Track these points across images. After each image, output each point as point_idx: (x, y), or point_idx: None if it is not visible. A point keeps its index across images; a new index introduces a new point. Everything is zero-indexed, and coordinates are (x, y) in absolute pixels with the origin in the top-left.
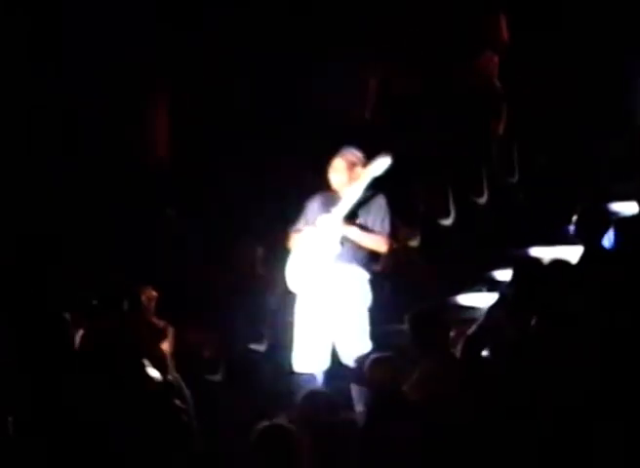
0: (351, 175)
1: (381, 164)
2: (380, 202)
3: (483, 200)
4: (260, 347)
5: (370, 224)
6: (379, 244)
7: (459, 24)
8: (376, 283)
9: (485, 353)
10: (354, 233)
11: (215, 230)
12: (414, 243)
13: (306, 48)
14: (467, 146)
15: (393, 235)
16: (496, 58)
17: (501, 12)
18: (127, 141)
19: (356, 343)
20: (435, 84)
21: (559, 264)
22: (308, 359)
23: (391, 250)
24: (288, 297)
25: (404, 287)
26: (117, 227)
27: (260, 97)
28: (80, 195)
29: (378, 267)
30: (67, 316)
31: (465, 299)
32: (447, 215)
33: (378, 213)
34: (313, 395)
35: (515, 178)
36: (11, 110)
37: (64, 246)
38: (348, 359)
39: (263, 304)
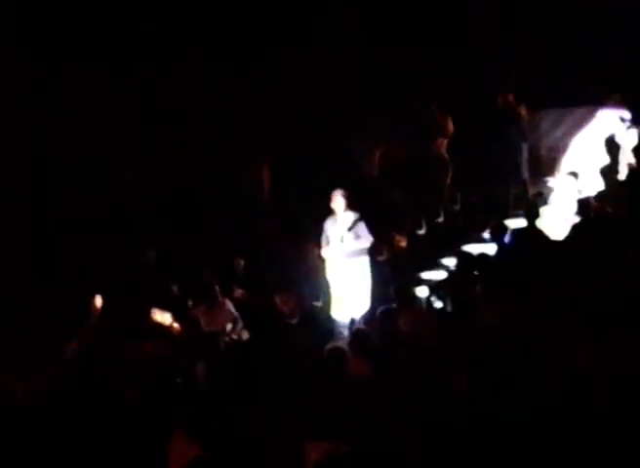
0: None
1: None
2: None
3: (440, 219)
4: (319, 304)
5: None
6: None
7: (425, 122)
8: (381, 266)
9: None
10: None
11: (293, 237)
12: (403, 243)
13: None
14: (430, 190)
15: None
16: (445, 141)
17: (448, 115)
18: (246, 192)
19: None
20: (413, 155)
21: (483, 255)
22: (340, 313)
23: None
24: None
25: (397, 268)
26: (244, 235)
27: (316, 162)
28: (215, 218)
29: (383, 257)
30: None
31: (431, 275)
32: (420, 228)
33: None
34: (360, 331)
35: (458, 207)
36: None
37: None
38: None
39: (320, 280)
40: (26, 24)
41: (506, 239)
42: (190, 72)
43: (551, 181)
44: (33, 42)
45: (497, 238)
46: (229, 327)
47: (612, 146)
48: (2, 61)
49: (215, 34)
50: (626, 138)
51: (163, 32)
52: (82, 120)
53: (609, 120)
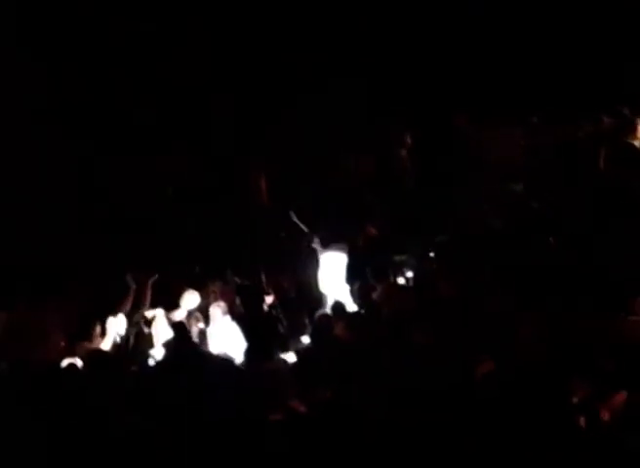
0: None
1: None
2: None
3: (405, 214)
4: (310, 281)
5: None
6: None
7: (390, 137)
8: (358, 251)
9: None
10: None
11: (289, 230)
12: (375, 233)
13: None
14: (396, 192)
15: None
16: (405, 152)
17: (408, 134)
18: (250, 194)
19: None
20: (382, 164)
21: (438, 241)
22: (327, 288)
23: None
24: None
25: (370, 252)
26: (245, 230)
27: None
28: (227, 219)
29: (359, 244)
30: None
31: (398, 257)
32: (389, 222)
33: None
34: (342, 301)
35: (419, 204)
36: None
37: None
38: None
39: (310, 262)
40: (26, 24)
41: None
42: (189, 73)
43: (493, 182)
44: (33, 42)
45: (449, 227)
46: (238, 300)
47: (539, 154)
48: (2, 61)
49: (214, 36)
50: (549, 148)
51: (163, 32)
52: (81, 120)
53: (535, 134)
